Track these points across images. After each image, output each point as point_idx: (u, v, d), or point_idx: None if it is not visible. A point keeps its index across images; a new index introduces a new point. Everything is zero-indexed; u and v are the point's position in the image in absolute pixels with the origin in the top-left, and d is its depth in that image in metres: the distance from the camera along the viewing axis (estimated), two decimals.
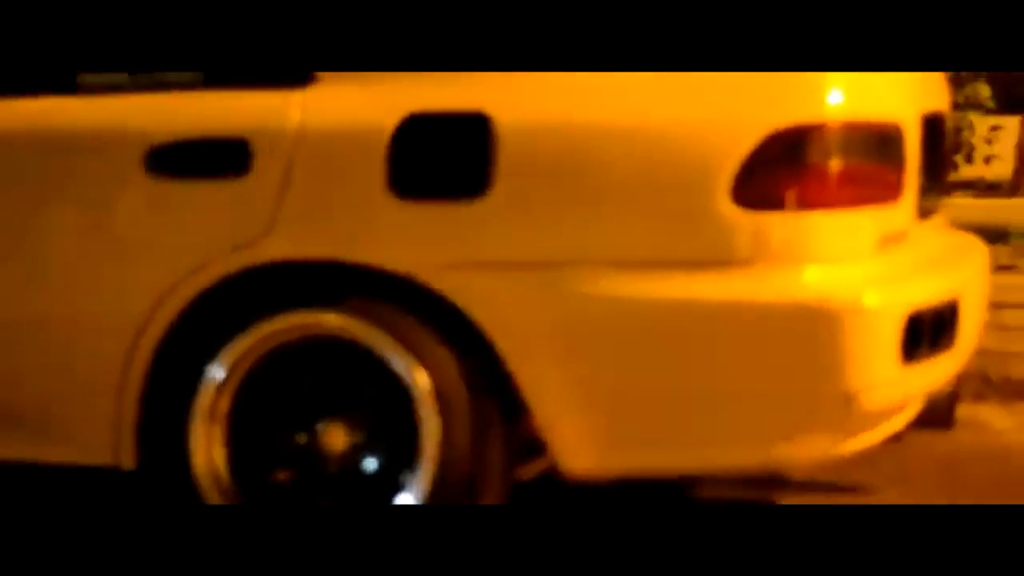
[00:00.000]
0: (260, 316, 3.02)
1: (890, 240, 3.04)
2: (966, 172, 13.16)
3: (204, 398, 3.04)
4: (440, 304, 2.93)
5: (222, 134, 3.01)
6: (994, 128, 13.91)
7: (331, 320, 2.99)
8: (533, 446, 3.01)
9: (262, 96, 3.01)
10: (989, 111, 13.78)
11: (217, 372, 3.03)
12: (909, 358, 2.92)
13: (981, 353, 3.63)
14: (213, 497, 3.06)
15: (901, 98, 3.13)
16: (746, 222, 2.84)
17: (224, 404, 3.05)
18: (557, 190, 2.89)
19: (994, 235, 6.73)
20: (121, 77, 3.10)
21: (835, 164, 2.89)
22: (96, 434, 3.10)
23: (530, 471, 3.14)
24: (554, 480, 3.04)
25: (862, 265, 2.94)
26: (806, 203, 2.86)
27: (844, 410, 2.87)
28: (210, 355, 3.03)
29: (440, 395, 2.94)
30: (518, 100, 2.90)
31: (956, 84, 11.99)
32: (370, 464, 3.04)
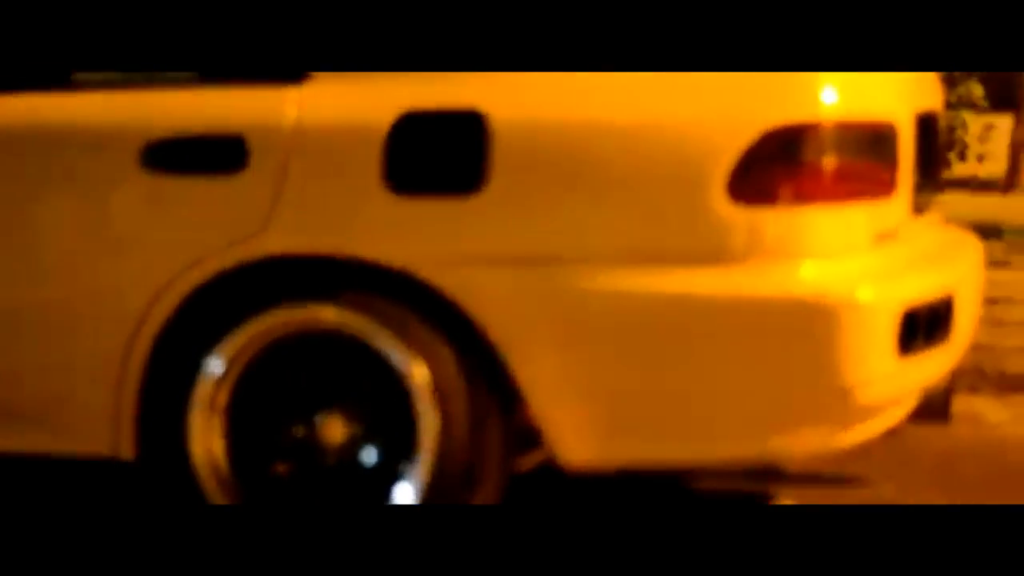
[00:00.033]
0: (258, 310, 3.02)
1: (885, 236, 3.05)
2: (959, 170, 13.22)
3: (203, 390, 3.04)
4: (437, 298, 2.94)
5: (218, 130, 3.01)
6: (987, 127, 13.96)
7: (328, 314, 3.00)
8: (530, 438, 3.02)
9: (258, 92, 3.01)
10: (982, 110, 13.84)
11: (216, 365, 3.04)
12: (905, 352, 2.93)
13: (976, 348, 3.65)
14: (212, 489, 3.06)
15: (895, 97, 3.15)
16: (742, 218, 2.85)
17: (223, 396, 3.06)
18: (552, 186, 2.90)
19: (988, 232, 6.76)
20: (117, 73, 3.11)
21: (830, 161, 2.91)
22: (95, 426, 3.10)
23: (528, 463, 3.15)
24: (552, 472, 3.05)
25: (857, 260, 2.95)
26: (802, 199, 2.87)
27: (840, 404, 2.88)
28: (209, 348, 3.04)
29: (438, 388, 2.95)
30: (513, 97, 2.91)
31: (949, 83, 12.03)
32: (368, 456, 3.04)
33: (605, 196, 2.89)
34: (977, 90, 13.64)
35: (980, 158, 13.79)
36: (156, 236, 3.05)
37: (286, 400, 3.07)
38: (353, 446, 3.04)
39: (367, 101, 2.96)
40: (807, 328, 2.85)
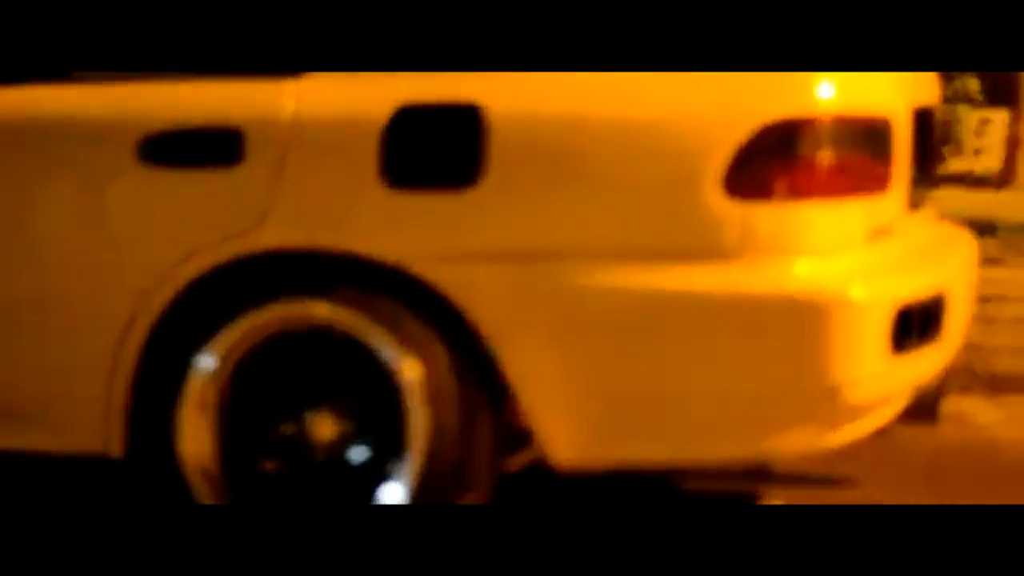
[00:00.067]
0: (251, 305, 3.01)
1: (880, 232, 3.05)
2: (955, 165, 13.21)
3: (194, 387, 3.04)
4: (430, 294, 2.94)
5: (215, 123, 3.01)
6: (983, 121, 13.95)
7: (321, 310, 2.99)
8: (519, 438, 3.02)
9: (256, 85, 3.01)
10: (978, 105, 13.82)
11: (207, 361, 3.03)
12: (896, 351, 2.93)
13: (967, 347, 3.63)
14: (200, 486, 3.06)
15: (891, 93, 3.15)
16: (736, 213, 2.85)
17: (213, 393, 3.05)
18: (548, 180, 2.90)
19: (982, 228, 6.76)
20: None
21: (825, 156, 2.91)
22: (85, 422, 3.10)
23: (516, 463, 3.15)
24: (541, 472, 3.06)
25: (851, 257, 2.95)
26: (796, 194, 2.87)
27: (830, 403, 2.88)
28: (200, 344, 3.03)
29: (428, 385, 2.95)
30: (510, 91, 2.91)
31: (945, 78, 12.00)
32: (357, 454, 3.04)
33: (600, 191, 2.89)
34: (973, 84, 13.64)
35: (976, 153, 13.80)
36: (151, 229, 3.05)
37: (276, 397, 3.06)
38: (342, 444, 3.04)
39: (364, 94, 2.95)
40: (799, 325, 2.85)
